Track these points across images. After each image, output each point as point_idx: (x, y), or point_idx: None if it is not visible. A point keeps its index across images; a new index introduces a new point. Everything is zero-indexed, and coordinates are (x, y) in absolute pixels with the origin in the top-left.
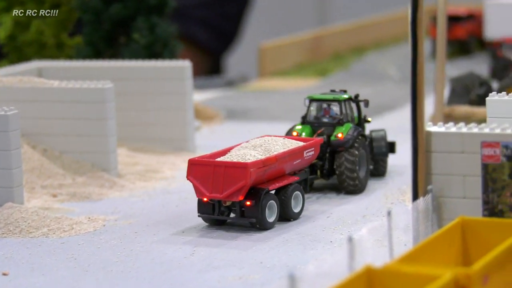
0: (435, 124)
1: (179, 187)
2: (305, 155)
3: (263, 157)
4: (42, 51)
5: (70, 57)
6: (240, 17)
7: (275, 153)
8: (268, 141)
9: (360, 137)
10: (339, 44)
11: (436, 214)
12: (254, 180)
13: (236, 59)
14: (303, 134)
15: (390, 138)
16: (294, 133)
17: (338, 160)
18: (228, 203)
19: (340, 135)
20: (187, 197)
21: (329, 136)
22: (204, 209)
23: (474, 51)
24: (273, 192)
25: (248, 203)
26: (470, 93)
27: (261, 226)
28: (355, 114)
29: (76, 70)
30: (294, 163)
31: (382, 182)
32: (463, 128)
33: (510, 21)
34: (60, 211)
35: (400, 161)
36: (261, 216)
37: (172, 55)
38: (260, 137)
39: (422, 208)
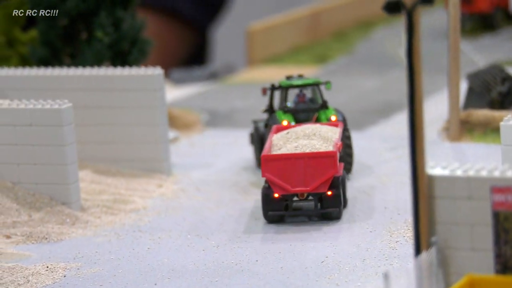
0: (450, 136)
1: (152, 223)
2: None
3: (331, 145)
4: None
5: (23, 57)
6: None
7: (335, 139)
8: (318, 129)
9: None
10: (342, 19)
11: (442, 269)
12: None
13: (221, 44)
14: (293, 123)
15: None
16: (285, 123)
17: None
18: (304, 196)
19: (333, 118)
20: (160, 236)
21: (316, 121)
22: (274, 206)
23: (500, 26)
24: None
25: (329, 193)
26: (491, 91)
27: (337, 216)
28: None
29: (29, 80)
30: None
31: (386, 211)
32: (470, 170)
33: None
34: (14, 257)
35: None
36: (340, 205)
37: (142, 54)
38: (303, 126)
39: (426, 265)
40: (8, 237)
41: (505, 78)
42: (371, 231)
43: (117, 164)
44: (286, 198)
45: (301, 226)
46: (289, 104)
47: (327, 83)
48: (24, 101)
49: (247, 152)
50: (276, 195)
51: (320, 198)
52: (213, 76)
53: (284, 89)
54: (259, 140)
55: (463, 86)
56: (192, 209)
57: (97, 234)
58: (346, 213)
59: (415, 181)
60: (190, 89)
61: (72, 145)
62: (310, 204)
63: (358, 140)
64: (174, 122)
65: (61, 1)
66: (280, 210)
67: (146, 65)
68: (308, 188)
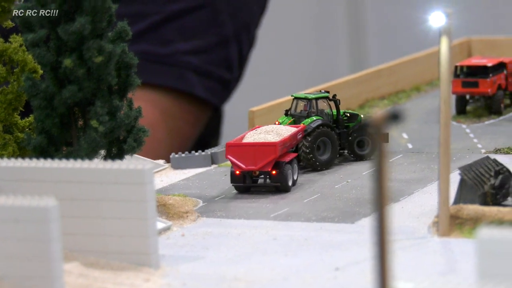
0: (440, 232)
1: None
2: (298, 137)
3: (280, 138)
4: None
5: (19, 145)
6: (242, 63)
7: (286, 135)
8: (275, 128)
9: (321, 127)
10: (344, 100)
11: None
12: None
13: (228, 126)
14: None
15: None
16: (276, 122)
17: (300, 144)
18: (257, 173)
19: (301, 125)
20: None
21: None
22: (236, 180)
23: (506, 108)
24: (288, 163)
25: (274, 172)
26: (484, 184)
27: (284, 188)
28: (331, 111)
29: (19, 171)
30: (293, 142)
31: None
32: (436, 283)
33: None
34: None
35: None
36: (285, 181)
37: (137, 143)
38: (266, 126)
39: None
40: None
41: (499, 171)
42: None
43: (106, 256)
44: (244, 174)
45: None
46: (292, 111)
47: (333, 96)
48: (10, 196)
49: (238, 243)
50: (237, 172)
51: (269, 175)
52: (214, 160)
53: (295, 99)
54: None
55: (457, 178)
56: None
57: None
58: None
59: None
60: (189, 172)
61: (57, 242)
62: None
63: (348, 235)
64: (168, 210)
65: (58, 90)
66: (240, 182)
67: (158, 145)
68: (255, 167)
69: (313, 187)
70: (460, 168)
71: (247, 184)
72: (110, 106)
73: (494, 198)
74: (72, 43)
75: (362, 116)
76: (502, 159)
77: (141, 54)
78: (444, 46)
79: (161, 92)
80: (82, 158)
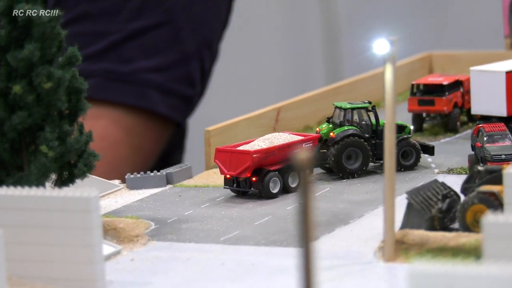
0: (385, 257)
1: None
2: (303, 146)
3: (265, 147)
4: None
5: None
6: (204, 79)
7: (276, 144)
8: (276, 136)
9: (350, 137)
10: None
11: None
12: (258, 163)
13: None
14: (324, 130)
15: None
16: (317, 129)
17: (328, 152)
18: (242, 179)
19: (331, 134)
20: None
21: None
22: (227, 183)
23: (462, 126)
24: (275, 171)
25: (253, 179)
26: (431, 208)
27: (266, 195)
28: (370, 121)
29: None
30: (295, 152)
31: None
32: None
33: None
34: None
35: None
36: (263, 188)
37: (88, 167)
38: (277, 133)
39: None
40: None
41: (446, 195)
42: None
43: (54, 283)
44: (233, 179)
45: None
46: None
47: (373, 107)
48: None
49: (186, 268)
50: (227, 176)
51: (250, 181)
52: (169, 181)
53: (336, 108)
54: None
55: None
56: None
57: None
58: None
59: None
60: (143, 193)
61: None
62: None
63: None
64: (118, 234)
65: (8, 116)
66: (231, 185)
67: (121, 163)
68: (234, 173)
69: (265, 208)
70: (407, 192)
71: (234, 188)
72: (60, 131)
73: (442, 222)
74: (21, 69)
75: (411, 127)
76: (454, 179)
77: (103, 73)
78: (388, 73)
79: (124, 110)
80: (32, 183)
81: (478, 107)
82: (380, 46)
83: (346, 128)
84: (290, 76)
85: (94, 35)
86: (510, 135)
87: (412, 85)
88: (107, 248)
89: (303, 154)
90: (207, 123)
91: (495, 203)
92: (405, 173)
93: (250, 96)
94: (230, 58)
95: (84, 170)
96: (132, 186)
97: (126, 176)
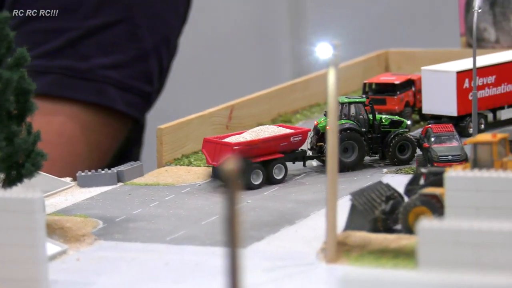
0: (327, 258)
1: None
2: (291, 139)
3: (249, 139)
4: None
5: None
6: (162, 75)
7: (261, 137)
8: (263, 129)
9: (348, 131)
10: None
11: None
12: (241, 155)
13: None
14: (322, 124)
15: None
16: (315, 123)
17: (325, 145)
18: None
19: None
20: None
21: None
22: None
23: (414, 125)
24: (259, 163)
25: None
26: (375, 209)
27: (247, 187)
28: (367, 116)
29: None
30: (281, 144)
31: None
32: None
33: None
34: None
35: None
36: (244, 179)
37: (35, 167)
38: (268, 126)
39: None
40: None
41: (390, 196)
42: None
43: None
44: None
45: None
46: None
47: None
48: None
49: (131, 268)
50: (215, 163)
51: None
52: (120, 179)
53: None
54: None
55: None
56: None
57: None
58: None
59: None
60: (93, 191)
61: None
62: None
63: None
64: (65, 233)
65: None
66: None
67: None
68: (216, 164)
69: (213, 207)
70: (351, 194)
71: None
72: (8, 131)
73: (385, 223)
74: None
75: (408, 122)
76: (401, 179)
77: (61, 69)
78: (331, 77)
79: (81, 106)
80: None
81: (429, 107)
82: (323, 50)
83: (343, 122)
84: (249, 72)
85: (52, 32)
86: (457, 135)
87: (364, 84)
88: (53, 247)
89: (230, 164)
90: (166, 119)
91: (437, 205)
92: (353, 173)
93: (209, 91)
94: (189, 53)
95: (32, 170)
96: (83, 184)
97: (77, 174)
